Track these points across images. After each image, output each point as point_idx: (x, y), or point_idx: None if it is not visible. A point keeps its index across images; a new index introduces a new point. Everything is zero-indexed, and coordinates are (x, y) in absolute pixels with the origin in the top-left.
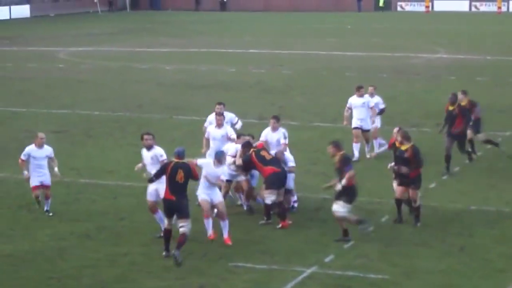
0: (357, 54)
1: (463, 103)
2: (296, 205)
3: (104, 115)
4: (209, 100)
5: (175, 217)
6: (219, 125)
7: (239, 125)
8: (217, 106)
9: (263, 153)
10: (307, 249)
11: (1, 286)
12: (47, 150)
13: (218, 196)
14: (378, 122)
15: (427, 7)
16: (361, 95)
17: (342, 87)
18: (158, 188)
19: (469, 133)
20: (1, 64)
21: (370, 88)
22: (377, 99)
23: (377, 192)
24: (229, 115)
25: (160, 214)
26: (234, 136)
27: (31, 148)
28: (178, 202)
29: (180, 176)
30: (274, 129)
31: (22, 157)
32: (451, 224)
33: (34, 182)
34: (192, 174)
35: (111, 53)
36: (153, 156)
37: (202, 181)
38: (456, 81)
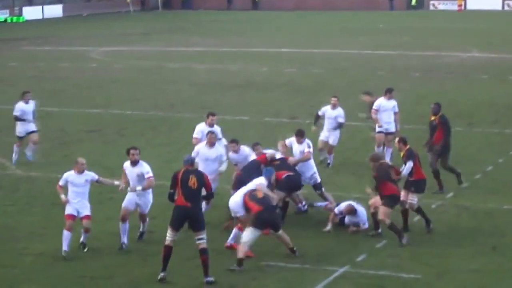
0: (389, 53)
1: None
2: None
3: (137, 115)
4: (240, 99)
5: (172, 232)
6: (211, 144)
7: (223, 142)
8: (210, 117)
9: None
10: (339, 248)
11: (33, 284)
12: (88, 175)
13: None
14: (335, 138)
15: (459, 5)
16: (390, 98)
17: (374, 86)
18: (137, 199)
19: None
20: (34, 64)
21: (333, 99)
22: (338, 111)
23: None
24: (217, 130)
25: (126, 226)
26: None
27: (69, 174)
28: (193, 209)
29: (192, 181)
30: (300, 142)
31: (60, 182)
32: (483, 224)
33: (68, 210)
34: (205, 182)
35: (143, 52)
36: (139, 173)
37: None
38: (488, 80)
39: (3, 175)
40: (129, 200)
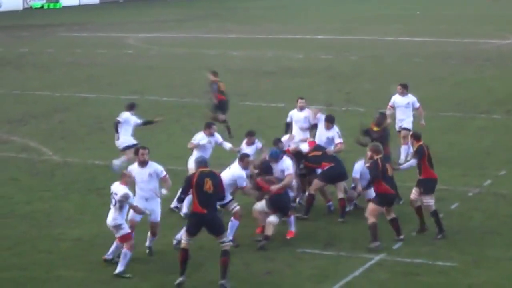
0: (425, 40)
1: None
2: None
3: (172, 101)
4: (276, 86)
5: (189, 237)
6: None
7: (227, 146)
8: (213, 127)
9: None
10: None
11: (70, 269)
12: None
13: None
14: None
15: None
16: (405, 94)
17: (410, 73)
18: (147, 206)
19: None
20: (71, 50)
21: (301, 101)
22: (306, 113)
23: (446, 180)
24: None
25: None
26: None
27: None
28: (210, 216)
29: (208, 185)
30: (328, 128)
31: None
32: None
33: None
34: (219, 184)
35: (178, 39)
36: (151, 173)
37: None
38: None
39: (40, 161)
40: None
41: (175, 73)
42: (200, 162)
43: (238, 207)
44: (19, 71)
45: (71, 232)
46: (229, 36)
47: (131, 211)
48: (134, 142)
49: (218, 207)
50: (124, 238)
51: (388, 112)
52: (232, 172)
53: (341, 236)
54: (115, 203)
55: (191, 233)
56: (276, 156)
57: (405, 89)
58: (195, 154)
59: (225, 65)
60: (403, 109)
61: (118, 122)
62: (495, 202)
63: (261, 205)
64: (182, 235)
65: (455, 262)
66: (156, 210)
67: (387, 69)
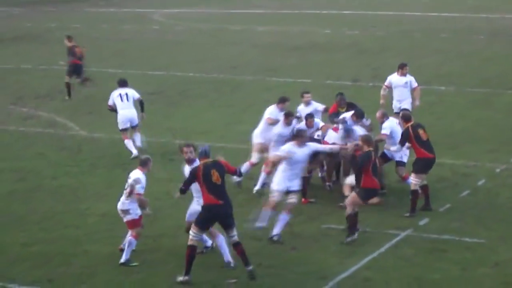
0: (453, 15)
1: None
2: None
3: (199, 77)
4: (302, 61)
5: (198, 231)
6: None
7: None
8: (287, 103)
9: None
10: (402, 212)
11: (96, 244)
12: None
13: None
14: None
15: None
16: (403, 74)
17: (437, 48)
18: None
19: None
20: (97, 26)
21: (306, 96)
22: (316, 105)
23: (474, 156)
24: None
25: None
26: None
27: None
28: (226, 206)
29: (215, 176)
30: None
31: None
32: None
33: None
34: (227, 169)
35: (205, 14)
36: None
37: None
38: None
39: (67, 136)
40: (190, 214)
41: (201, 49)
42: (201, 153)
43: (294, 200)
44: (46, 46)
45: (98, 207)
46: (255, 11)
47: (189, 210)
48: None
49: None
50: (132, 224)
51: (383, 92)
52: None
53: (367, 212)
54: (127, 187)
55: (202, 227)
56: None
57: (404, 69)
58: (263, 128)
59: (251, 40)
60: (401, 89)
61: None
62: None
63: (350, 179)
64: (192, 231)
65: (482, 238)
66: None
67: (413, 45)
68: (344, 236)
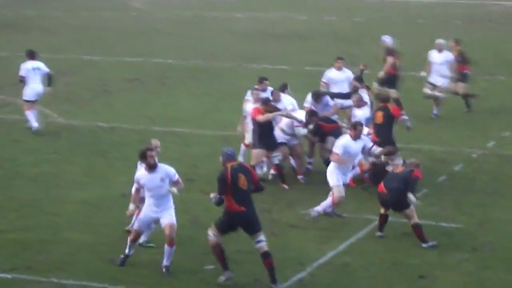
0: (431, 1)
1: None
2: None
3: (177, 64)
4: (281, 48)
5: (218, 234)
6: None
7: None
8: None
9: None
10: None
11: (76, 232)
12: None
13: None
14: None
15: None
16: (340, 68)
17: (415, 35)
18: (157, 212)
19: None
20: (76, 13)
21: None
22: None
23: (450, 141)
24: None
25: (136, 243)
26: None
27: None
28: (248, 213)
29: (242, 181)
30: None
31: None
32: None
33: (141, 219)
34: (253, 177)
35: (183, 1)
36: (163, 177)
37: None
38: None
39: (45, 123)
40: (142, 220)
41: (180, 36)
42: (229, 156)
43: None
44: (25, 34)
45: (77, 195)
46: None
47: (140, 216)
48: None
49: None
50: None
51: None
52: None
53: (346, 197)
54: None
55: (222, 231)
56: None
57: (342, 63)
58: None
59: (230, 27)
60: (342, 84)
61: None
62: (499, 163)
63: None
64: (210, 231)
65: (459, 223)
66: (169, 211)
67: (392, 31)
68: (324, 220)
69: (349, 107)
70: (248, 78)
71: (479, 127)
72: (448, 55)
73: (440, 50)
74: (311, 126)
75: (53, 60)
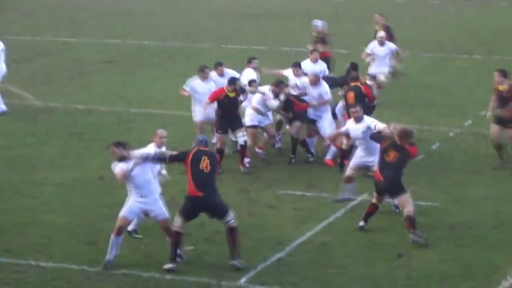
0: None
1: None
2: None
3: (154, 45)
4: (258, 29)
5: (182, 220)
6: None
7: None
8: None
9: None
10: (358, 177)
11: (53, 214)
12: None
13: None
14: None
15: None
16: (315, 60)
17: (392, 13)
18: (145, 204)
19: None
20: None
21: (254, 62)
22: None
23: (428, 120)
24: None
25: (119, 240)
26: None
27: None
28: (207, 198)
29: (205, 163)
30: (298, 75)
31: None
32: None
33: (129, 210)
34: (217, 165)
35: None
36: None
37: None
38: (508, 6)
39: (22, 106)
40: (129, 209)
41: (156, 16)
42: (201, 142)
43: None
44: (1, 16)
45: (54, 177)
46: None
47: (125, 206)
48: None
49: None
50: None
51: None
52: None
53: (323, 177)
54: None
55: (185, 217)
56: None
57: (318, 56)
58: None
59: (206, 7)
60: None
61: None
62: (476, 142)
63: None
64: (176, 219)
65: (436, 202)
66: (158, 205)
67: (369, 10)
68: (301, 201)
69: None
70: (225, 58)
71: (456, 106)
72: (391, 46)
73: (382, 43)
74: (282, 97)
75: (29, 42)
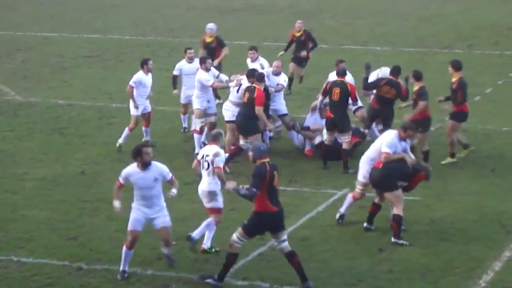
0: None
1: None
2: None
3: (135, 40)
4: (239, 23)
5: (245, 238)
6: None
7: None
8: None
9: None
10: (338, 172)
11: (34, 209)
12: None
13: None
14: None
15: None
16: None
17: (374, 8)
18: (148, 214)
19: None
20: None
21: (189, 52)
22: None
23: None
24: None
25: (131, 253)
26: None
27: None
28: (280, 213)
29: (276, 180)
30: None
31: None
32: (482, 146)
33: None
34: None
35: None
36: (157, 178)
37: None
38: (489, 1)
39: (3, 101)
40: (136, 219)
41: (138, 11)
42: (263, 152)
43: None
44: None
45: (35, 172)
46: None
47: (131, 218)
48: None
49: None
50: (216, 211)
51: None
52: None
53: (305, 172)
54: (208, 167)
55: (251, 235)
56: None
57: (257, 53)
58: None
59: (188, 2)
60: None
61: None
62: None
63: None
64: (238, 236)
65: (417, 196)
66: (163, 213)
67: (351, 5)
68: (283, 196)
69: None
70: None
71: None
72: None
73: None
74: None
75: (9, 36)
